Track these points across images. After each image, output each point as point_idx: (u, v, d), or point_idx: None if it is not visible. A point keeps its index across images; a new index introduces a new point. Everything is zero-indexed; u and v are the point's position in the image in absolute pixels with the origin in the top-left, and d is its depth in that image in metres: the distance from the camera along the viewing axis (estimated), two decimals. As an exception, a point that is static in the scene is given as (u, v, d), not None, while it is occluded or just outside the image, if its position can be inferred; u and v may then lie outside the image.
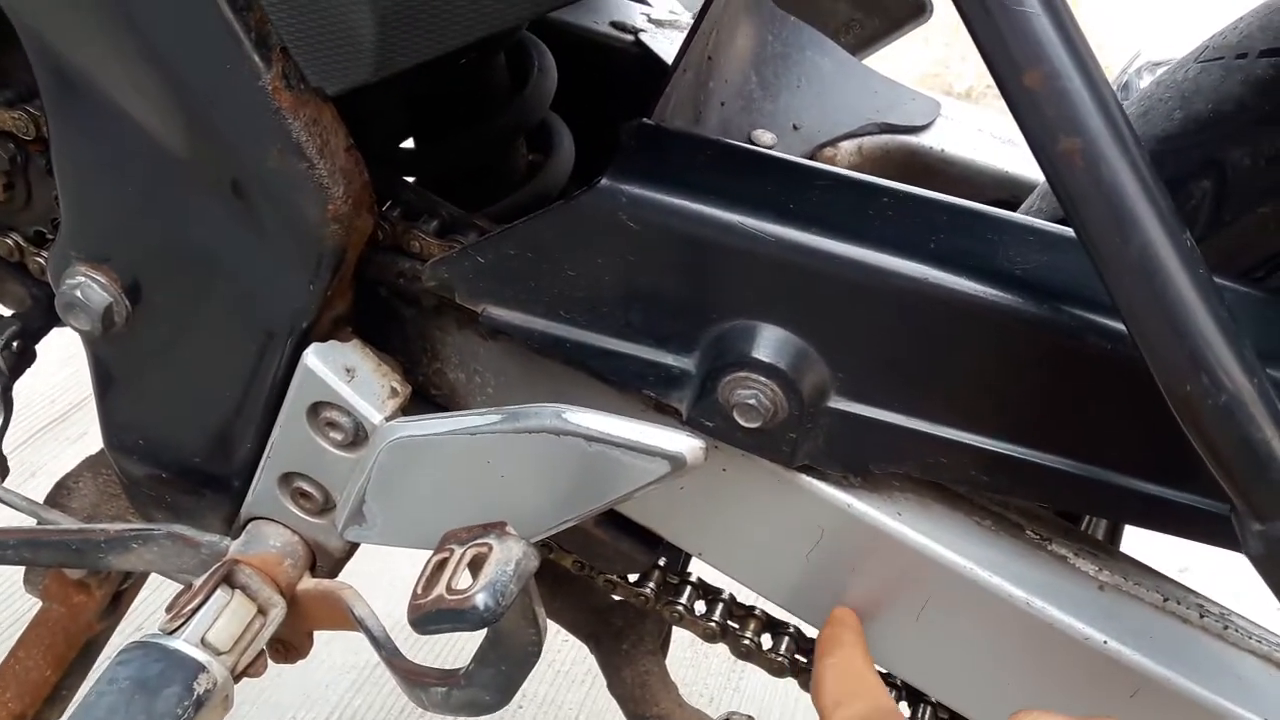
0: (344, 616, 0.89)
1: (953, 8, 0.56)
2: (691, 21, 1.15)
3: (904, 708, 0.94)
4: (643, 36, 1.09)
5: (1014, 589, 0.76)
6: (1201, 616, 0.77)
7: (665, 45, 1.09)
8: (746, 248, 0.70)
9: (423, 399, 0.91)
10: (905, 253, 0.69)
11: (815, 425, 0.75)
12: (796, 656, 0.97)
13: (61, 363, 2.11)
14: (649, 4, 1.17)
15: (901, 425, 0.73)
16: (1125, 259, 0.53)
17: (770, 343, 0.72)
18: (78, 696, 1.21)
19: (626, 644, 1.10)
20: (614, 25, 1.11)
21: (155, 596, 1.45)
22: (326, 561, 0.93)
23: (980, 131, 1.07)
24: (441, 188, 0.92)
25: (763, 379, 0.72)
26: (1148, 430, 0.68)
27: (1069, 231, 0.70)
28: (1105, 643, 0.74)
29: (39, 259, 0.96)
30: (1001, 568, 0.76)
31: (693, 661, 1.96)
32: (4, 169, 0.93)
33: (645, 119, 0.77)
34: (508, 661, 0.76)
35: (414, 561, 0.73)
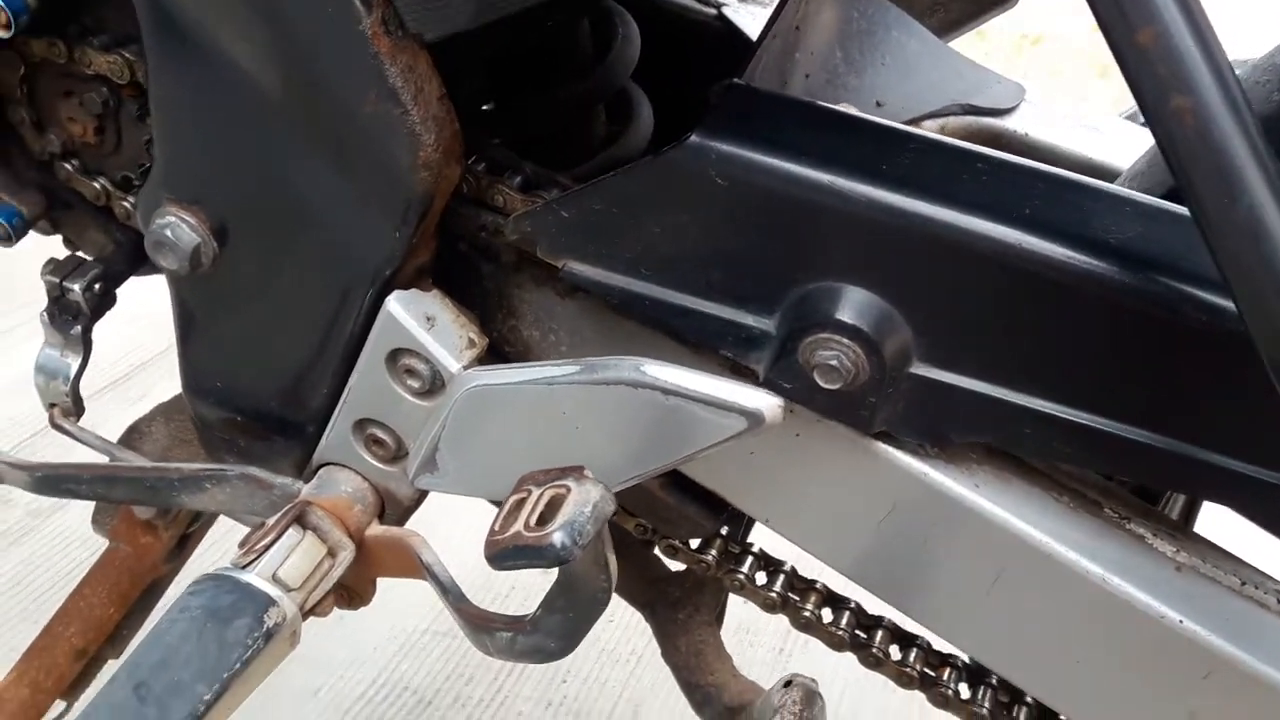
0: (411, 563, 0.90)
1: None
2: (774, -2, 1.16)
3: (964, 688, 0.94)
4: (725, 10, 1.10)
5: (1091, 565, 0.75)
6: (1279, 601, 0.76)
7: (748, 20, 1.09)
8: (836, 208, 0.71)
9: (495, 355, 0.92)
10: (999, 218, 0.69)
11: (895, 391, 0.74)
12: (856, 631, 0.96)
13: (125, 323, 2.16)
14: (733, -22, 1.17)
15: (985, 393, 0.73)
16: (1233, 219, 0.53)
17: (855, 304, 0.72)
18: (137, 638, 1.23)
19: (682, 613, 1.10)
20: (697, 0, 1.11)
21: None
22: (395, 509, 0.94)
23: (1065, 117, 1.07)
24: (520, 151, 0.93)
25: (846, 341, 0.72)
26: (1242, 406, 0.67)
27: (1166, 204, 0.70)
28: (1181, 622, 0.73)
29: (125, 204, 0.98)
30: (1079, 544, 0.76)
31: (737, 649, 1.96)
32: (96, 112, 0.94)
33: (736, 79, 0.77)
34: (576, 607, 0.76)
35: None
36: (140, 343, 2.55)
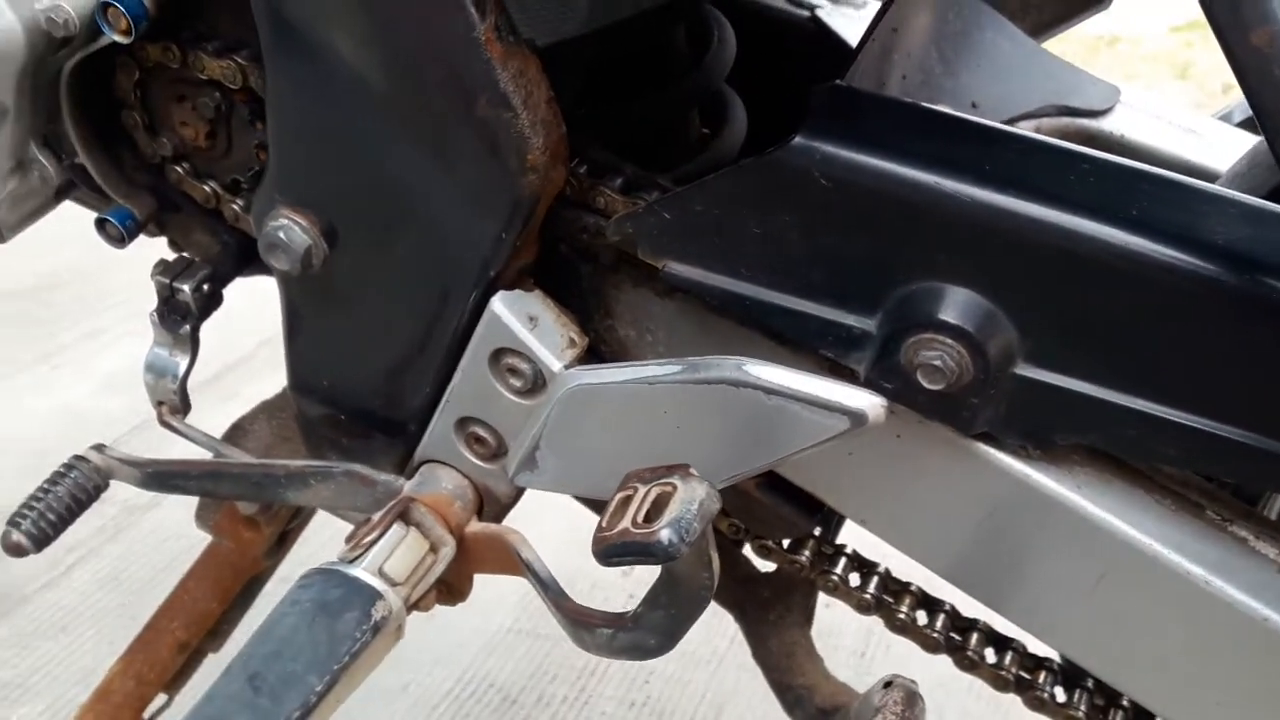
0: (510, 560, 0.92)
1: None
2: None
3: (1059, 692, 0.94)
4: (819, 13, 1.10)
5: (1194, 567, 0.75)
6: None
7: (841, 22, 1.10)
8: (940, 208, 0.71)
9: (592, 354, 0.93)
10: (1104, 219, 0.69)
11: (998, 391, 0.75)
12: (951, 634, 0.96)
13: (215, 324, 2.22)
14: (825, -18, 1.18)
15: (1089, 395, 0.73)
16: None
17: (958, 305, 0.73)
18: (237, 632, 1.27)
19: (773, 614, 1.11)
20: (791, 1, 1.12)
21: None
22: (493, 506, 0.96)
23: (1160, 119, 1.06)
24: (617, 153, 0.94)
25: (949, 341, 0.73)
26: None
27: (1271, 206, 0.69)
28: (1284, 624, 0.73)
29: (234, 206, 1.01)
30: (1182, 546, 0.76)
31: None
32: (209, 116, 0.97)
33: (838, 81, 0.78)
34: (678, 604, 0.77)
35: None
36: (230, 344, 2.61)
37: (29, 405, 2.47)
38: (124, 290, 2.83)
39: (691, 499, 0.68)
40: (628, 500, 0.71)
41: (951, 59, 1.00)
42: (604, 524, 0.70)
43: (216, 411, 2.37)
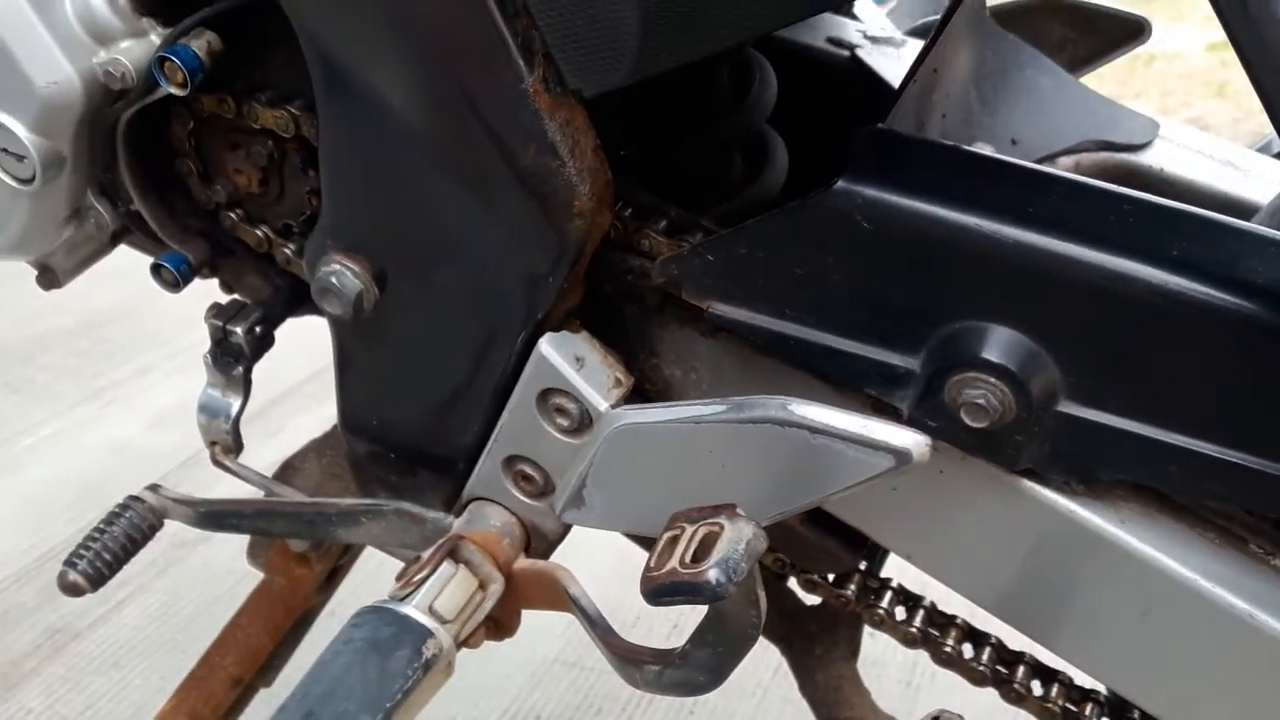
0: (558, 596, 0.93)
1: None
2: (904, 38, 1.17)
3: (1104, 724, 0.94)
4: (859, 53, 1.12)
5: (1238, 601, 0.75)
6: None
7: (881, 61, 1.11)
8: (983, 250, 0.72)
9: (637, 393, 0.95)
10: (1146, 259, 0.69)
11: (1042, 429, 0.75)
12: (997, 666, 0.97)
13: (261, 361, 2.27)
14: (863, 21, 1.19)
15: (1133, 432, 0.74)
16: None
17: (1001, 344, 0.73)
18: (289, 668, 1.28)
19: (820, 648, 1.12)
20: (830, 41, 1.13)
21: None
22: (541, 543, 0.97)
23: (1200, 153, 1.06)
24: (658, 193, 0.96)
25: (992, 380, 0.74)
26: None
27: (1313, 244, 0.70)
28: (1331, 659, 0.73)
29: (285, 250, 1.03)
30: (1226, 580, 0.76)
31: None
32: (262, 164, 0.99)
33: (880, 124, 0.79)
34: (725, 642, 0.78)
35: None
36: (275, 379, 2.65)
37: (80, 441, 2.51)
38: (173, 327, 2.88)
39: (739, 539, 0.69)
40: (675, 540, 0.72)
41: (990, 97, 1.01)
42: (652, 564, 0.71)
43: (263, 445, 2.41)
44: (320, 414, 2.53)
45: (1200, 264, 0.70)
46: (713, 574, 0.67)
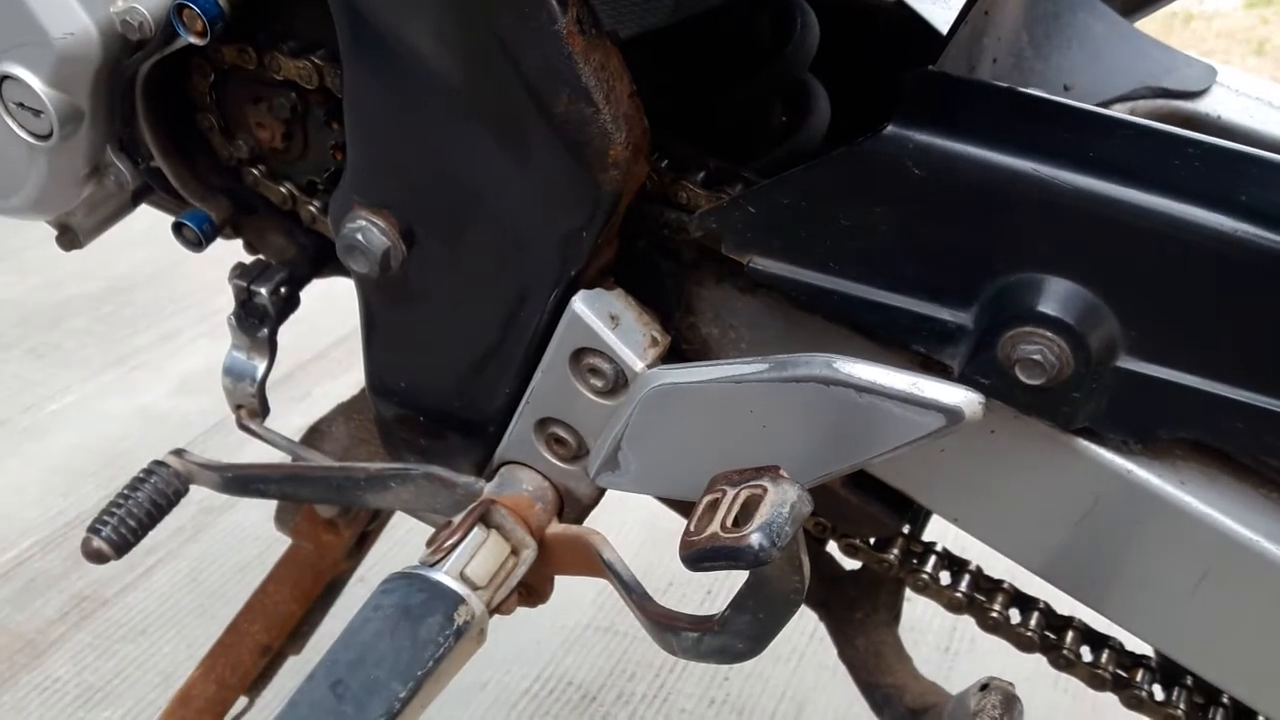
0: (591, 561, 0.90)
1: None
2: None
3: (1158, 690, 0.91)
4: (904, -3, 1.08)
5: (1304, 564, 0.72)
6: None
7: (925, 5, 1.07)
8: (1041, 197, 0.69)
9: (673, 353, 0.92)
10: (1213, 205, 0.66)
11: (1100, 385, 0.72)
12: (1046, 632, 0.94)
13: (287, 325, 2.27)
14: (908, -35, 1.15)
15: (1196, 388, 0.70)
16: None
17: (1059, 296, 0.70)
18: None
19: (860, 613, 1.09)
20: (874, -15, 1.09)
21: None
22: (574, 508, 0.95)
23: (1259, 99, 1.02)
24: (696, 142, 0.93)
25: (1049, 334, 0.70)
26: None
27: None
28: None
29: (310, 208, 1.00)
30: (1291, 542, 0.73)
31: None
32: (284, 118, 0.97)
33: (930, 67, 0.75)
34: (766, 608, 0.75)
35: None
36: (303, 343, 2.63)
37: (107, 407, 2.51)
38: (198, 291, 2.87)
39: (783, 502, 0.66)
40: (716, 503, 0.69)
41: (1043, 41, 0.97)
42: (691, 528, 0.68)
43: (290, 410, 2.41)
44: (349, 379, 2.52)
45: (1270, 210, 0.66)
46: (755, 538, 0.65)
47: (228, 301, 1.05)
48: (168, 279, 2.95)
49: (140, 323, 2.83)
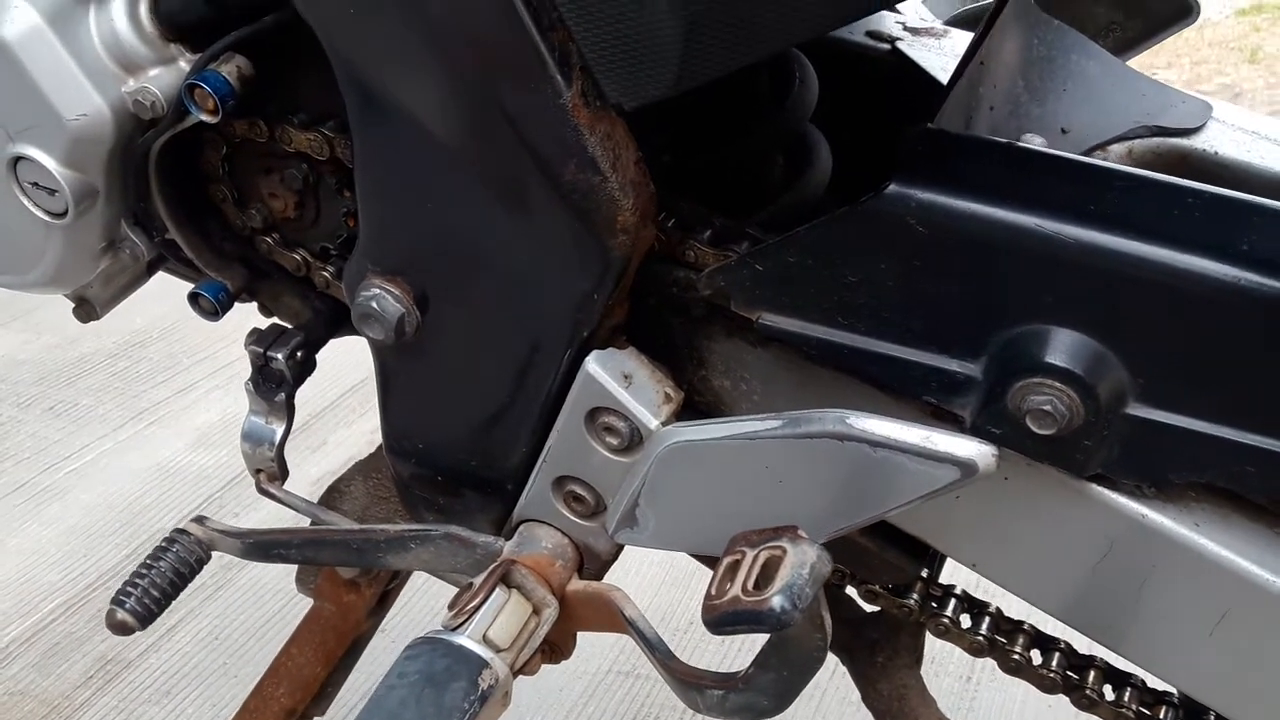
0: (613, 618, 0.91)
1: None
2: (945, 28, 1.15)
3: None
4: (900, 45, 1.09)
5: (1322, 604, 0.72)
6: None
7: (922, 53, 1.08)
8: (1044, 251, 0.69)
9: (687, 406, 0.92)
10: (1215, 255, 0.67)
11: (1111, 433, 0.73)
12: (1068, 672, 0.94)
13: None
14: (901, 12, 1.16)
15: (1206, 433, 0.71)
16: None
17: (1066, 347, 0.71)
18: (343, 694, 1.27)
19: (881, 656, 1.09)
20: (870, 35, 1.10)
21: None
22: (594, 564, 0.95)
23: (1255, 134, 1.03)
24: (699, 198, 0.94)
25: (1058, 384, 0.71)
26: None
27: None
28: None
29: (324, 273, 1.01)
30: (1308, 583, 0.73)
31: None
32: (297, 188, 0.98)
33: (928, 124, 0.76)
34: (790, 666, 0.76)
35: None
36: (316, 392, 2.64)
37: (125, 464, 2.52)
38: (212, 344, 2.88)
39: (803, 563, 0.67)
40: (736, 565, 0.70)
41: (1038, 86, 0.98)
42: (713, 590, 0.69)
43: (306, 460, 2.42)
44: (363, 427, 2.53)
45: (1271, 257, 0.67)
46: (777, 601, 0.65)
47: (241, 353, 1.06)
48: (182, 332, 2.96)
49: (156, 377, 2.84)
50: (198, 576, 1.05)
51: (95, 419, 2.68)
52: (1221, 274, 0.67)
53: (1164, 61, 5.54)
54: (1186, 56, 5.65)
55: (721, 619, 0.67)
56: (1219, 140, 1.03)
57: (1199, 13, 1.11)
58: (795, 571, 0.66)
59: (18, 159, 0.93)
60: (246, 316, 1.12)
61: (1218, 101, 1.05)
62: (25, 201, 0.95)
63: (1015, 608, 0.95)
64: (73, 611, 2.10)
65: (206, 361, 2.88)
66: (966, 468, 0.70)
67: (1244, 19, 6.00)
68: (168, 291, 1.18)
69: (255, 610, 2.07)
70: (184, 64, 0.92)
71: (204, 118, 0.88)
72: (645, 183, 0.77)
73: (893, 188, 0.72)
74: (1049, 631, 0.97)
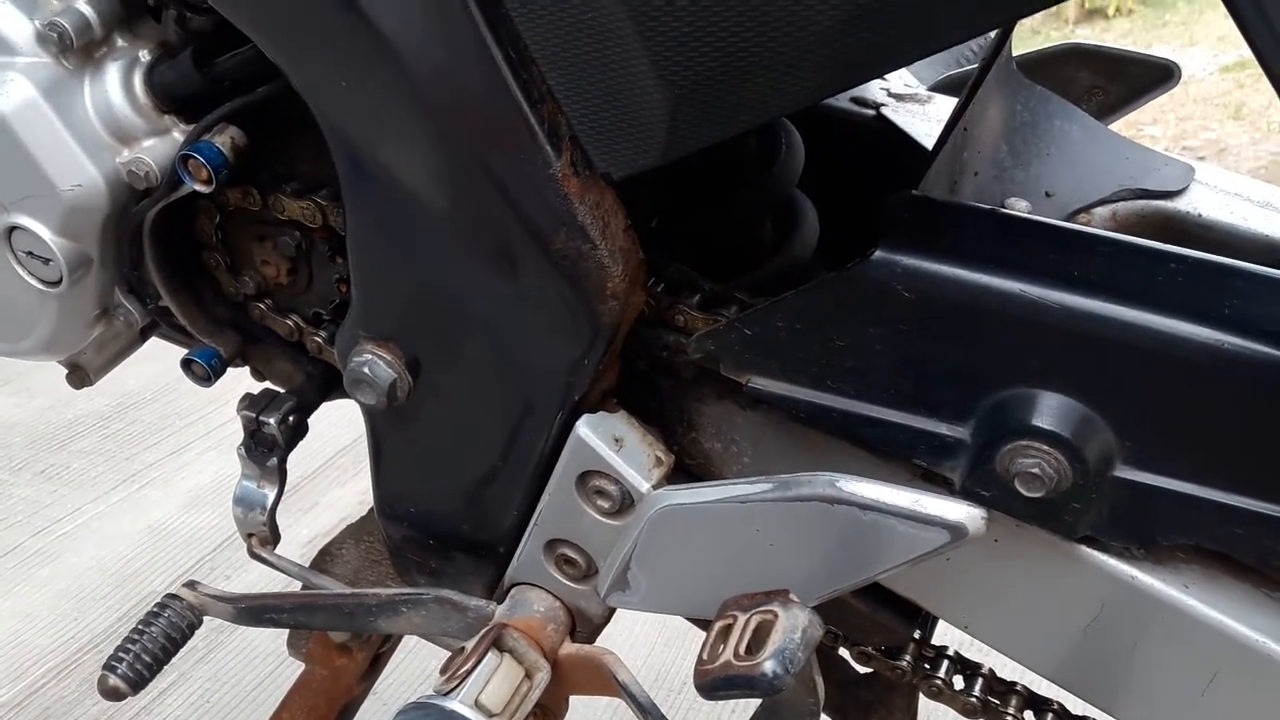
0: (606, 681, 0.91)
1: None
2: (929, 94, 1.16)
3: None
4: (884, 110, 1.10)
5: (1311, 665, 0.72)
6: None
7: (906, 119, 1.10)
8: (1028, 316, 0.70)
9: (678, 468, 0.93)
10: (1197, 318, 0.67)
11: (1100, 495, 0.73)
12: (1062, 734, 0.94)
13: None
14: (886, 79, 1.18)
15: (1194, 495, 0.71)
16: None
17: (1053, 410, 0.72)
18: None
19: (875, 718, 1.09)
20: (854, 101, 1.12)
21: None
22: (586, 627, 0.95)
23: (1237, 195, 1.04)
24: (687, 261, 0.95)
25: (1046, 447, 0.72)
26: None
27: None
28: None
29: (316, 338, 1.02)
30: (1297, 643, 0.73)
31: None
32: (290, 255, 0.99)
33: (912, 190, 0.77)
34: (783, 730, 0.76)
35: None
36: (308, 453, 2.64)
37: (117, 527, 2.51)
38: (204, 406, 2.89)
39: (794, 627, 0.67)
40: (728, 630, 0.70)
41: (1022, 150, 0.99)
42: (705, 656, 0.69)
43: (298, 521, 2.41)
44: (355, 487, 2.53)
45: (1254, 321, 0.68)
46: (769, 666, 0.66)
47: (233, 414, 1.06)
48: (174, 394, 2.97)
49: (148, 439, 2.84)
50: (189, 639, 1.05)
51: (88, 482, 2.67)
52: (1205, 338, 0.68)
53: (1149, 118, 5.61)
54: (1172, 112, 5.72)
55: (714, 684, 0.68)
56: (1202, 202, 1.04)
57: (1180, 77, 1.13)
58: (787, 636, 0.67)
59: (12, 228, 0.94)
60: (239, 379, 1.12)
61: (1200, 163, 1.07)
62: (20, 270, 0.96)
63: (1008, 669, 0.95)
64: (64, 676, 2.08)
65: (199, 423, 2.88)
66: (956, 531, 0.70)
67: (1228, 75, 6.08)
68: (160, 353, 1.18)
69: (246, 674, 2.06)
70: (178, 134, 0.93)
71: (198, 188, 0.89)
72: (634, 249, 0.78)
73: (878, 254, 0.73)
74: (1042, 692, 0.97)
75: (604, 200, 0.75)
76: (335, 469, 2.64)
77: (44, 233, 0.93)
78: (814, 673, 0.72)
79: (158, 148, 0.92)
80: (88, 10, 0.89)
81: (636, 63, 0.68)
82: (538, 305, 0.79)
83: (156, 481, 2.68)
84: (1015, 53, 1.05)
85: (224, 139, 0.89)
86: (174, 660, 1.05)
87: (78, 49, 0.89)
